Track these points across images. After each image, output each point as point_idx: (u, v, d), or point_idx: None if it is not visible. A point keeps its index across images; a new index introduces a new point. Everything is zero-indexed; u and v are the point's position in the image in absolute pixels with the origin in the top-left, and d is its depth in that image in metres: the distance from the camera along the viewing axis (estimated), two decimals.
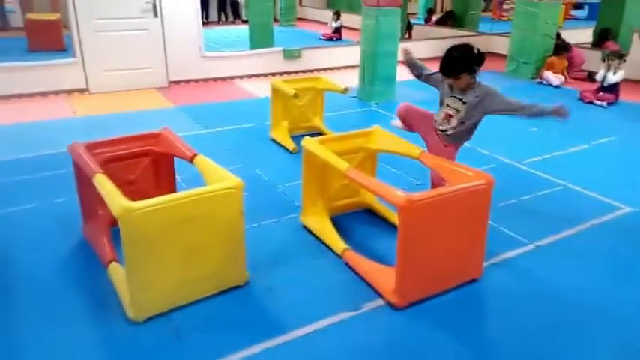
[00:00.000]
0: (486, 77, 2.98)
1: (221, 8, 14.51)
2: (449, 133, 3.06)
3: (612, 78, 6.38)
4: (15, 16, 10.57)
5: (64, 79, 6.43)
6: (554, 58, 7.63)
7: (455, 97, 2.99)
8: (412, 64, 3.25)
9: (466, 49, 2.92)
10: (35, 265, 2.81)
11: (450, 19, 11.69)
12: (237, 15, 14.52)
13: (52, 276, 2.72)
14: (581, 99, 6.54)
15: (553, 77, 7.39)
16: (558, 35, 8.00)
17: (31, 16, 9.02)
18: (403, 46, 3.26)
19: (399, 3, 6.25)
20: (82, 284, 2.66)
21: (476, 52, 2.92)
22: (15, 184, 3.83)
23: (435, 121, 3.12)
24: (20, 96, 6.21)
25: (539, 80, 7.60)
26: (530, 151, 4.65)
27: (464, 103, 2.95)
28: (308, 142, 3.08)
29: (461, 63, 2.89)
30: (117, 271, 2.58)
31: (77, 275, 2.73)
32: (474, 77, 2.95)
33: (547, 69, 7.58)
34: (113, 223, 2.43)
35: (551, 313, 2.52)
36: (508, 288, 2.71)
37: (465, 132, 3.07)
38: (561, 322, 2.46)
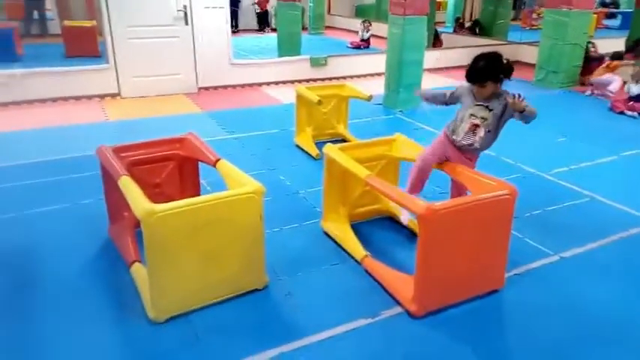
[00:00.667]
0: (514, 86, 2.93)
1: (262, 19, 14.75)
2: (477, 145, 2.95)
3: (634, 89, 6.27)
4: (53, 23, 10.93)
5: (98, 84, 6.62)
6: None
7: (480, 105, 2.94)
8: (431, 99, 3.22)
9: (493, 57, 2.87)
10: (61, 264, 2.89)
11: (477, 28, 11.58)
12: (266, 24, 14.73)
13: (77, 275, 2.80)
14: (612, 109, 6.41)
15: (612, 92, 6.99)
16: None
17: (67, 23, 9.28)
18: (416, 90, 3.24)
19: (425, 11, 6.24)
20: (106, 284, 2.72)
21: (505, 61, 2.87)
22: (45, 184, 3.95)
23: (455, 140, 3.00)
24: (55, 100, 6.42)
25: (589, 93, 7.27)
26: (557, 162, 4.57)
27: (490, 110, 2.90)
28: (329, 149, 3.10)
29: (487, 71, 2.84)
30: (139, 272, 2.64)
31: (101, 275, 2.80)
32: (500, 86, 2.91)
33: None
34: (138, 224, 2.48)
35: (574, 326, 2.47)
36: (530, 300, 2.66)
37: (490, 141, 3.00)
38: (584, 336, 2.40)
